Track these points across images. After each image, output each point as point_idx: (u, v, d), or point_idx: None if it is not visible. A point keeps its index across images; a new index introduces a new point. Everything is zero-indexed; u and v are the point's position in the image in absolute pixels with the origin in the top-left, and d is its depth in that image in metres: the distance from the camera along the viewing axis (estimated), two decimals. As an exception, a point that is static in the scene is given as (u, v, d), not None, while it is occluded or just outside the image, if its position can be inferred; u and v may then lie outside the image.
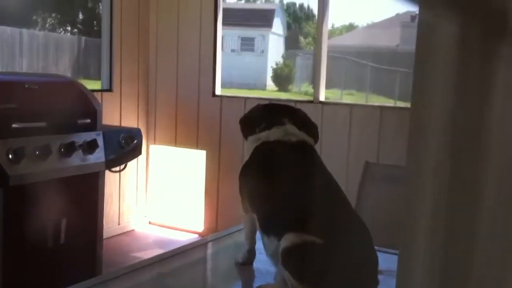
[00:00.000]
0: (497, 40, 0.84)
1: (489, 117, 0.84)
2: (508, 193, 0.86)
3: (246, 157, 1.89)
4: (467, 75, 0.85)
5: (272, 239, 1.69)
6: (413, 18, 15.80)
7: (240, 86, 15.35)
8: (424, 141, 0.89)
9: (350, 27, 23.41)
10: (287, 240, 1.63)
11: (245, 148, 1.92)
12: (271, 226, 1.72)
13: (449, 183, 0.88)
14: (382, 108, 4.34)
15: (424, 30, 0.87)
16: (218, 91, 5.02)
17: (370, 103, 5.66)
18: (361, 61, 15.95)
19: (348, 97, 14.40)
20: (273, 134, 1.83)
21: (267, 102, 2.15)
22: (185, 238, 4.94)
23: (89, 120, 3.37)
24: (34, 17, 16.06)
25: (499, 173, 0.85)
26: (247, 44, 20.42)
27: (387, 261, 1.72)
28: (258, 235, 1.91)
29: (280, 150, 1.82)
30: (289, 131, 1.84)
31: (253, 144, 1.86)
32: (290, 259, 1.63)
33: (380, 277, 1.67)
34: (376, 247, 1.70)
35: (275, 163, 1.82)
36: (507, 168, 0.85)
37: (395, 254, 1.10)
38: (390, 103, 11.98)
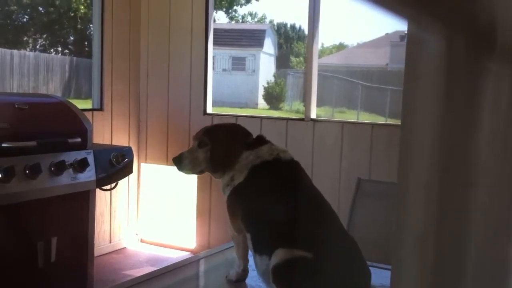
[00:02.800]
0: (485, 56, 0.85)
1: (478, 134, 0.85)
2: (497, 212, 0.87)
3: (237, 176, 1.83)
4: (456, 93, 0.85)
5: (264, 258, 1.69)
6: (402, 37, 15.97)
7: (232, 105, 15.40)
8: (414, 159, 0.90)
9: (340, 47, 23.61)
10: (277, 256, 1.63)
11: (238, 163, 1.85)
12: (263, 245, 1.72)
13: (439, 200, 0.88)
14: (373, 125, 4.36)
15: (413, 48, 0.88)
16: (209, 109, 5.03)
17: (361, 121, 5.69)
18: (351, 80, 16.07)
19: (339, 115, 14.47)
20: (269, 151, 1.82)
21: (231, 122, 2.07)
22: (177, 255, 4.90)
23: (79, 139, 3.36)
24: (25, 38, 16.09)
25: (488, 191, 0.86)
26: (238, 64, 20.53)
27: (380, 276, 1.72)
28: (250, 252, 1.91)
29: (276, 170, 1.81)
30: (281, 149, 1.85)
31: (250, 161, 1.81)
32: (280, 275, 1.63)
33: (373, 292, 1.67)
34: (369, 263, 1.70)
35: (276, 184, 1.81)
36: (496, 186, 0.86)
37: (388, 269, 1.10)
38: (381, 120, 12.05)
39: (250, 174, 1.80)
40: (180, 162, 1.91)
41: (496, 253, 0.87)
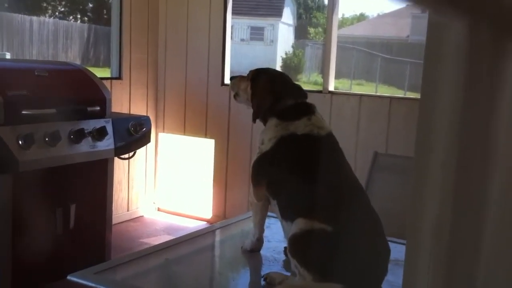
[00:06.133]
0: (507, 38, 0.83)
1: (497, 113, 0.84)
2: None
3: (266, 141, 1.84)
4: (476, 72, 0.84)
5: (289, 224, 1.71)
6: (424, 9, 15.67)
7: (249, 76, 15.29)
8: (433, 136, 0.89)
9: (361, 17, 23.29)
10: (297, 225, 1.64)
11: (268, 127, 1.85)
12: (288, 212, 1.73)
13: (456, 176, 0.88)
14: (391, 98, 4.33)
15: (434, 26, 0.87)
16: (227, 80, 5.02)
17: (379, 94, 5.64)
18: (371, 52, 15.89)
19: (358, 87, 14.36)
20: (302, 127, 1.79)
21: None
22: (193, 225, 4.96)
23: (98, 108, 3.38)
24: (44, 5, 16.09)
25: (506, 169, 0.85)
26: (257, 34, 20.37)
27: (394, 251, 1.73)
28: (266, 223, 1.93)
29: (308, 144, 1.79)
30: (318, 125, 1.81)
31: (279, 131, 1.81)
32: (297, 247, 1.64)
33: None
34: (383, 237, 1.71)
35: (303, 157, 1.80)
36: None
37: (402, 244, 1.10)
38: (400, 93, 11.94)
39: (277, 145, 1.80)
40: (232, 78, 2.08)
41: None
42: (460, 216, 0.88)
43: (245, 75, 2.03)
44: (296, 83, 1.99)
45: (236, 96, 2.05)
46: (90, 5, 17.29)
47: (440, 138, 0.88)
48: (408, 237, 0.96)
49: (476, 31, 0.82)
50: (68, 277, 1.68)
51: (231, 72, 5.07)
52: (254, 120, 1.93)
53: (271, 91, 1.89)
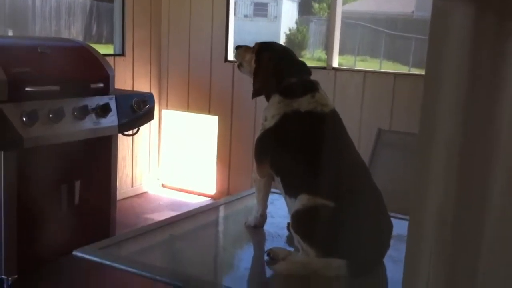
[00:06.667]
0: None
1: (502, 94, 0.84)
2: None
3: (269, 118, 1.83)
4: (481, 53, 0.84)
5: (293, 200, 1.71)
6: (429, -17, 15.46)
7: (253, 52, 15.18)
8: (437, 117, 0.89)
9: (365, -7, 22.99)
10: (300, 201, 1.65)
11: (271, 103, 1.84)
12: (291, 188, 1.74)
13: (459, 157, 0.87)
14: (396, 75, 4.30)
15: (439, 7, 0.86)
16: (231, 56, 5.00)
17: (384, 70, 5.61)
18: (375, 27, 15.75)
19: (362, 64, 14.27)
20: (306, 104, 1.78)
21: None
22: (197, 201, 4.99)
23: (102, 84, 3.38)
24: (46, -19, 15.96)
25: (510, 149, 0.85)
26: (260, 10, 20.19)
27: (396, 226, 1.74)
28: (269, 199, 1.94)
29: (312, 121, 1.78)
30: (322, 102, 1.80)
31: (282, 108, 1.80)
32: (300, 223, 1.66)
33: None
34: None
35: (306, 134, 1.79)
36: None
37: (405, 219, 1.11)
38: (404, 70, 11.87)
39: (281, 121, 1.79)
40: (238, 48, 2.06)
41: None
42: (464, 193, 0.88)
43: (251, 46, 2.02)
44: (300, 59, 1.97)
45: (240, 66, 2.04)
46: (92, -19, 17.14)
47: (445, 120, 0.88)
48: (412, 213, 0.97)
49: (480, 12, 0.81)
50: (73, 253, 1.70)
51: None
52: (253, 97, 1.92)
53: (274, 69, 1.88)
